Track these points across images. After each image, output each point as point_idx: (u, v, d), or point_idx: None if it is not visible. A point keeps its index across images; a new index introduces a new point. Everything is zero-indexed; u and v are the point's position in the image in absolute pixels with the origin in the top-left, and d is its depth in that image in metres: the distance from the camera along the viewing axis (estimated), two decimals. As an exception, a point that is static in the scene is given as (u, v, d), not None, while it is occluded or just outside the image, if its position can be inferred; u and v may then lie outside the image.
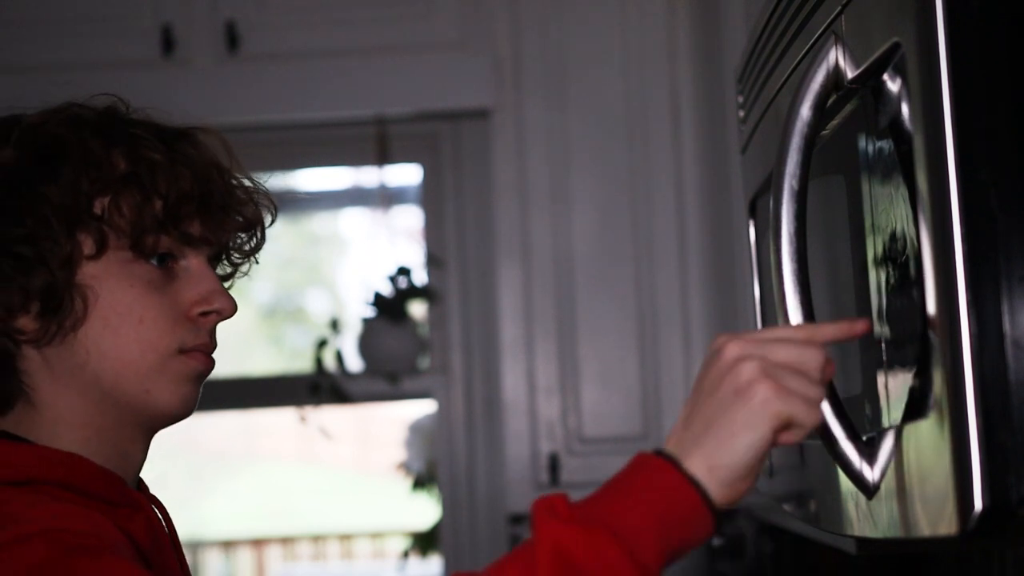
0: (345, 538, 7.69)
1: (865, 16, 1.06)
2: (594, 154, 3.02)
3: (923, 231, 0.96)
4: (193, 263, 1.29)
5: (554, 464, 2.98)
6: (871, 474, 1.07)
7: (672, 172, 3.01)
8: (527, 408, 3.01)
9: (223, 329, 1.32)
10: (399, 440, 3.44)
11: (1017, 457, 0.90)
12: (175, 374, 1.26)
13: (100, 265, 1.24)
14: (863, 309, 1.13)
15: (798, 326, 1.09)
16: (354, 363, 3.28)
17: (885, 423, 1.07)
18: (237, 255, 1.36)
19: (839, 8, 1.12)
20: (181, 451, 8.28)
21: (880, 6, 1.03)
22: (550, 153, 3.03)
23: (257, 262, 1.38)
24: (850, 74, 1.10)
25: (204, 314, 1.29)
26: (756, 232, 1.65)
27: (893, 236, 1.03)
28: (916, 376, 0.99)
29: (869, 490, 1.08)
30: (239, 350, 6.79)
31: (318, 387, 3.23)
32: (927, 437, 0.96)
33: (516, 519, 3.11)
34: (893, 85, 1.02)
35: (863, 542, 1.32)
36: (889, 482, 1.04)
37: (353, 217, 5.14)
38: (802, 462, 1.39)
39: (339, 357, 3.26)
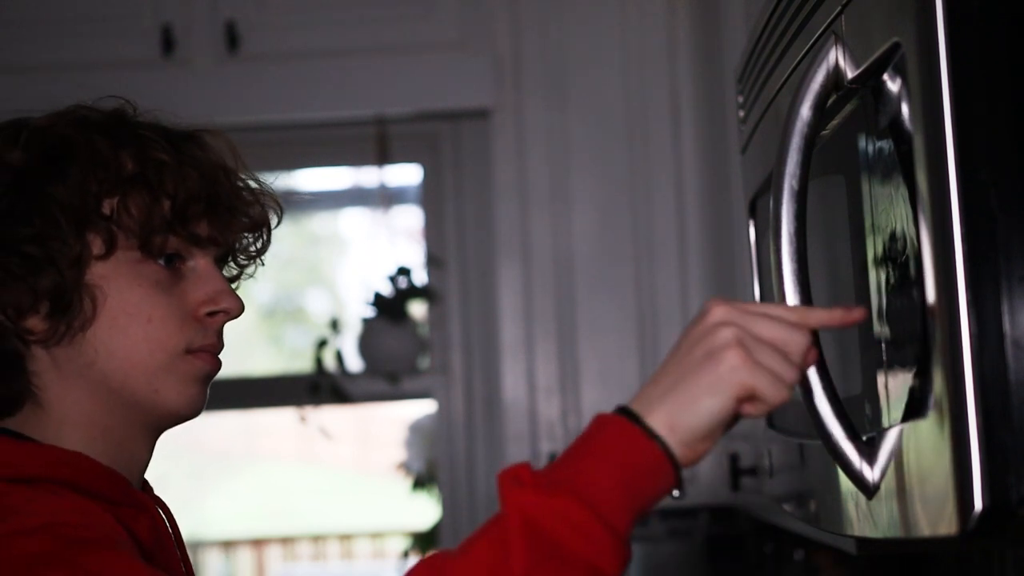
0: (345, 538, 7.69)
1: (865, 16, 1.06)
2: (594, 154, 3.02)
3: (923, 231, 0.96)
4: (200, 263, 1.30)
5: (554, 464, 2.98)
6: (871, 474, 1.07)
7: (672, 172, 3.01)
8: (527, 408, 3.01)
9: (228, 322, 1.33)
10: (399, 440, 3.44)
11: (1017, 457, 0.90)
12: (183, 374, 1.27)
13: (109, 265, 1.24)
14: (863, 309, 1.13)
15: (793, 307, 1.09)
16: (354, 363, 3.28)
17: (885, 423, 1.07)
18: (243, 256, 1.37)
19: (839, 8, 1.12)
20: (182, 451, 8.28)
21: (880, 6, 1.03)
22: (550, 153, 3.03)
23: (263, 264, 1.39)
24: (850, 74, 1.10)
25: (212, 314, 1.29)
26: (756, 232, 1.65)
27: (893, 236, 1.03)
28: (916, 376, 0.99)
29: (869, 490, 1.08)
30: (239, 350, 6.79)
31: (318, 387, 3.23)
32: (927, 437, 0.96)
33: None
34: (893, 85, 1.02)
35: (863, 542, 1.32)
36: (889, 482, 1.04)
37: (353, 217, 5.15)
38: (802, 462, 1.39)
39: (339, 357, 3.26)
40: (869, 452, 1.07)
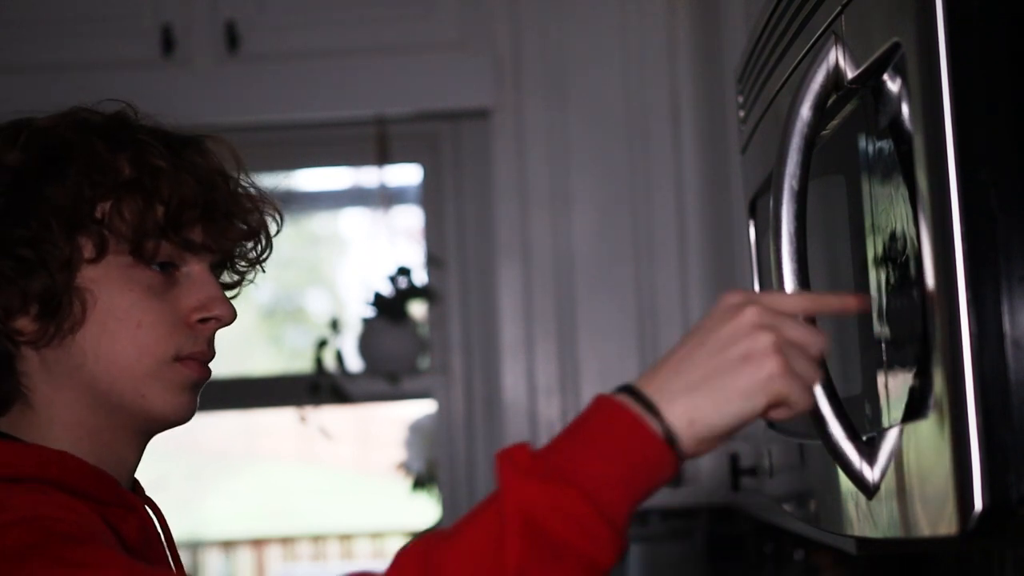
0: (345, 538, 7.68)
1: (865, 16, 1.06)
2: (594, 154, 3.02)
3: (923, 231, 0.96)
4: (195, 269, 1.30)
5: (554, 464, 2.98)
6: (871, 474, 1.07)
7: (672, 172, 3.01)
8: (527, 408, 3.01)
9: (223, 329, 1.33)
10: (399, 440, 3.44)
11: (1017, 456, 0.90)
12: (169, 381, 1.27)
13: (100, 269, 1.24)
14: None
15: (803, 295, 1.08)
16: (354, 363, 3.28)
17: (885, 423, 1.07)
18: (243, 263, 1.36)
19: (839, 8, 1.12)
20: (181, 451, 8.28)
21: (880, 6, 1.03)
22: (550, 153, 3.03)
23: (264, 270, 1.39)
24: (850, 74, 1.10)
25: (203, 321, 1.29)
26: (756, 232, 1.65)
27: (893, 236, 1.03)
28: (916, 376, 0.99)
29: (869, 490, 1.08)
30: (239, 350, 6.79)
31: (318, 387, 3.23)
32: (927, 437, 0.96)
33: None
34: (893, 85, 1.02)
35: (863, 542, 1.32)
36: (889, 482, 1.04)
37: (353, 217, 5.14)
38: (802, 462, 1.39)
39: (339, 357, 3.26)
40: (869, 452, 1.07)
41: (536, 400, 3.01)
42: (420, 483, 3.41)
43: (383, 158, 3.26)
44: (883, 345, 1.07)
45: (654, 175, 3.01)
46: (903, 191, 1.00)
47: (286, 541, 7.74)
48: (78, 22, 3.02)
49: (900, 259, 1.02)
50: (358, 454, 8.88)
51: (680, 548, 3.08)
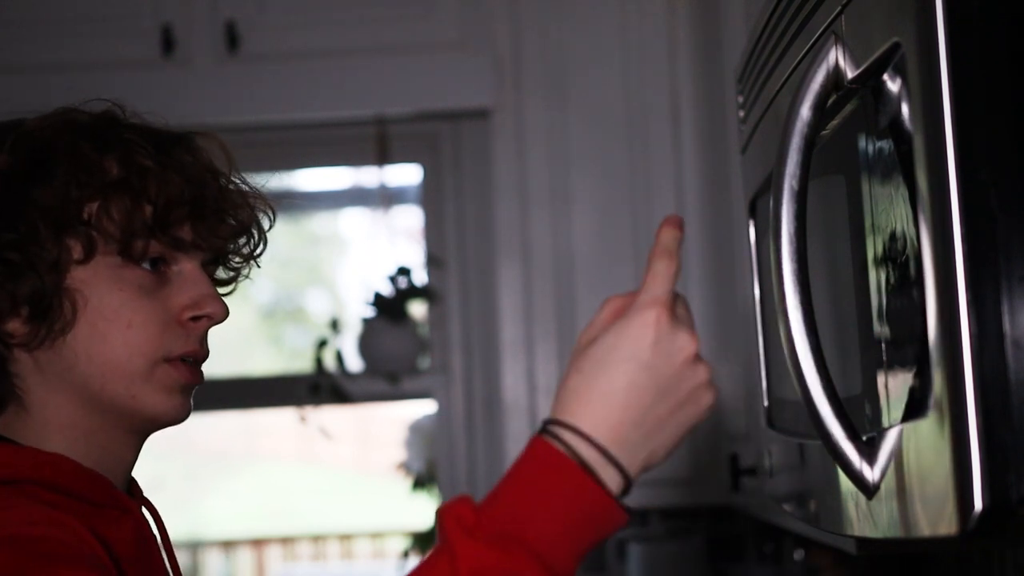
0: (345, 538, 7.69)
1: (865, 16, 1.06)
2: (594, 154, 3.02)
3: (923, 231, 0.96)
4: (186, 267, 1.29)
5: (554, 464, 2.98)
6: (871, 474, 1.07)
7: (672, 172, 3.01)
8: (527, 408, 3.01)
9: (223, 329, 1.33)
10: (399, 440, 3.44)
11: (1017, 456, 0.90)
12: (158, 383, 1.26)
13: (89, 270, 1.24)
14: (863, 309, 1.13)
15: (661, 263, 1.07)
16: (354, 363, 3.28)
17: (885, 423, 1.07)
18: (236, 259, 1.36)
19: (839, 8, 1.12)
20: (182, 451, 8.28)
21: (880, 6, 1.03)
22: (550, 153, 3.03)
23: (259, 266, 1.38)
24: (850, 74, 1.10)
25: (195, 319, 1.29)
26: (756, 232, 1.65)
27: (893, 236, 1.03)
28: (916, 376, 0.99)
29: (869, 490, 1.08)
30: (239, 350, 6.79)
31: (318, 387, 3.23)
32: (927, 437, 0.96)
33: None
34: (893, 85, 1.02)
35: (863, 542, 1.32)
36: (889, 482, 1.04)
37: (353, 217, 5.14)
38: (802, 462, 1.38)
39: (339, 357, 3.26)
40: (869, 452, 1.07)
41: (536, 400, 3.01)
42: (420, 483, 3.41)
43: (383, 158, 3.26)
44: (883, 345, 1.07)
45: (654, 175, 3.01)
46: (903, 191, 1.00)
47: (286, 541, 7.74)
48: (78, 22, 3.02)
49: (900, 259, 1.02)
50: (358, 454, 8.88)
51: (680, 548, 3.08)
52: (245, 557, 7.71)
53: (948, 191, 0.92)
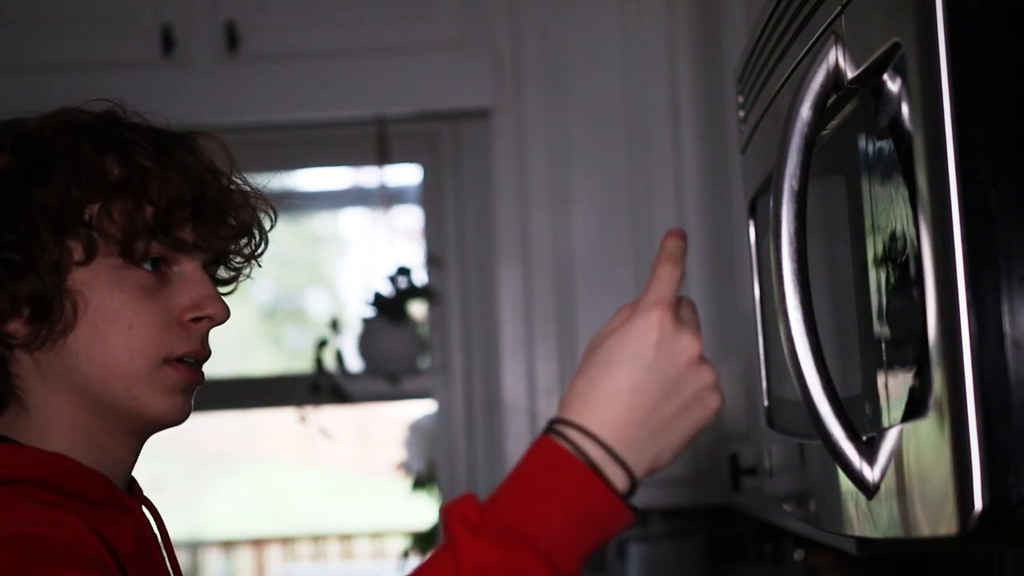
0: (345, 538, 7.69)
1: (865, 16, 1.06)
2: (594, 154, 3.02)
3: (923, 231, 0.96)
4: (187, 268, 1.29)
5: (554, 464, 2.98)
6: (871, 474, 1.07)
7: (672, 172, 3.01)
8: (527, 408, 3.01)
9: (223, 329, 1.33)
10: (399, 440, 3.44)
11: (1017, 456, 0.90)
12: (159, 384, 1.26)
13: (90, 271, 1.24)
14: (863, 309, 1.13)
15: (660, 278, 1.07)
16: (354, 363, 3.28)
17: (885, 423, 1.07)
18: (237, 259, 1.36)
19: (839, 8, 1.12)
20: (182, 451, 8.28)
21: (880, 6, 1.03)
22: (550, 153, 3.03)
23: (260, 266, 1.38)
24: (850, 74, 1.10)
25: (196, 320, 1.28)
26: (756, 232, 1.65)
27: (893, 236, 1.03)
28: (916, 376, 0.99)
29: (869, 490, 1.08)
30: (239, 350, 6.79)
31: (318, 387, 3.23)
32: (927, 437, 0.96)
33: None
34: (893, 85, 1.02)
35: (863, 542, 1.32)
36: (889, 482, 1.04)
37: (353, 217, 5.15)
38: (802, 462, 1.39)
39: (339, 357, 3.26)
40: (869, 452, 1.07)
41: (536, 400, 3.01)
42: (420, 483, 3.41)
43: (383, 158, 3.26)
44: (883, 345, 1.07)
45: (654, 175, 3.01)
46: (903, 191, 1.00)
47: (286, 541, 7.75)
48: (78, 22, 3.02)
49: (900, 259, 1.02)
50: (358, 454, 8.88)
51: (680, 548, 3.08)
52: (245, 557, 7.71)
53: (948, 191, 0.92)
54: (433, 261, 3.33)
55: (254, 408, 4.16)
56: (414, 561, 3.59)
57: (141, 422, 1.28)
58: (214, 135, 1.33)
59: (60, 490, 1.20)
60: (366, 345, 3.23)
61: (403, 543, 4.08)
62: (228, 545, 7.75)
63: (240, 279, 1.38)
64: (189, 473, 8.73)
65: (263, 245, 1.36)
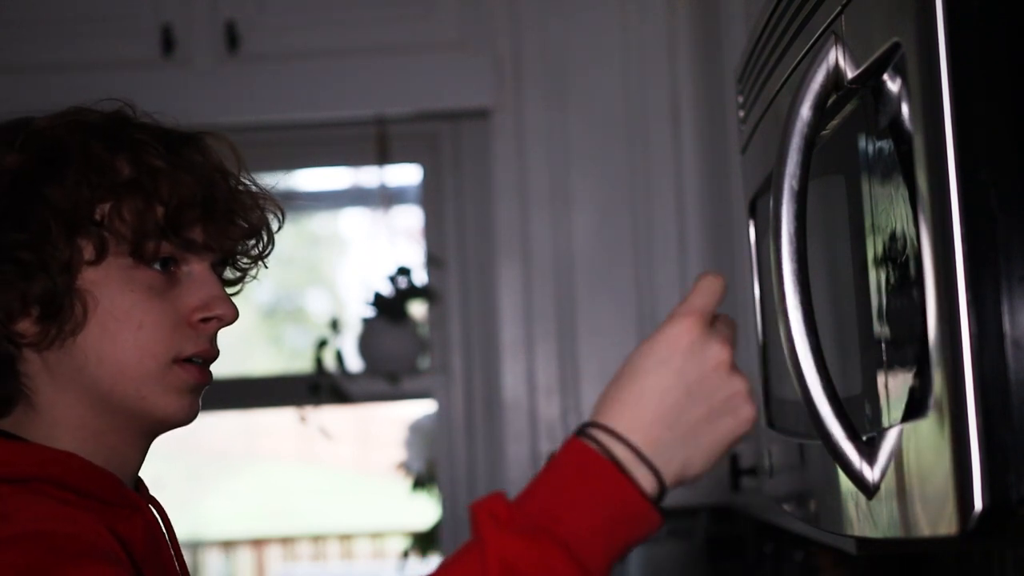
0: (345, 538, 7.69)
1: (865, 16, 1.06)
2: (594, 154, 3.02)
3: (923, 231, 0.96)
4: (196, 268, 1.29)
5: (554, 464, 2.98)
6: (871, 474, 1.07)
7: (672, 172, 3.01)
8: (527, 408, 3.01)
9: (223, 329, 1.33)
10: (399, 440, 3.44)
11: (1017, 456, 0.90)
12: (169, 384, 1.26)
13: (100, 271, 1.24)
14: (863, 309, 1.13)
15: (699, 287, 1.08)
16: (354, 363, 3.28)
17: (885, 423, 1.07)
18: (245, 260, 1.36)
19: (839, 8, 1.12)
20: (182, 451, 8.28)
21: (880, 6, 1.03)
22: (550, 153, 3.03)
23: (266, 266, 1.38)
24: (850, 74, 1.10)
25: (205, 320, 1.29)
26: (756, 232, 1.65)
27: (893, 236, 1.03)
28: (916, 376, 0.99)
29: (869, 490, 1.08)
30: (239, 350, 6.79)
31: (318, 387, 3.23)
32: (927, 437, 0.96)
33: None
34: (893, 85, 1.02)
35: (863, 542, 1.32)
36: (889, 482, 1.04)
37: (353, 217, 5.15)
38: (802, 462, 1.39)
39: (339, 357, 3.25)
40: (869, 452, 1.07)
41: (536, 400, 3.01)
42: (420, 483, 3.41)
43: (383, 158, 3.26)
44: (883, 345, 1.07)
45: (654, 175, 3.01)
46: (903, 191, 1.00)
47: (286, 541, 7.75)
48: (78, 22, 3.02)
49: (900, 259, 1.02)
50: (358, 454, 8.88)
51: (680, 548, 3.09)
52: (245, 557, 7.71)
53: (948, 191, 0.92)
54: (433, 261, 3.33)
55: (254, 408, 4.17)
56: (414, 561, 3.59)
57: (150, 422, 1.28)
58: (223, 136, 1.33)
59: (69, 488, 1.20)
60: (366, 345, 3.23)
61: (403, 543, 4.09)
62: (228, 545, 7.75)
63: (247, 280, 1.38)
64: (189, 473, 8.73)
65: (270, 246, 1.37)
